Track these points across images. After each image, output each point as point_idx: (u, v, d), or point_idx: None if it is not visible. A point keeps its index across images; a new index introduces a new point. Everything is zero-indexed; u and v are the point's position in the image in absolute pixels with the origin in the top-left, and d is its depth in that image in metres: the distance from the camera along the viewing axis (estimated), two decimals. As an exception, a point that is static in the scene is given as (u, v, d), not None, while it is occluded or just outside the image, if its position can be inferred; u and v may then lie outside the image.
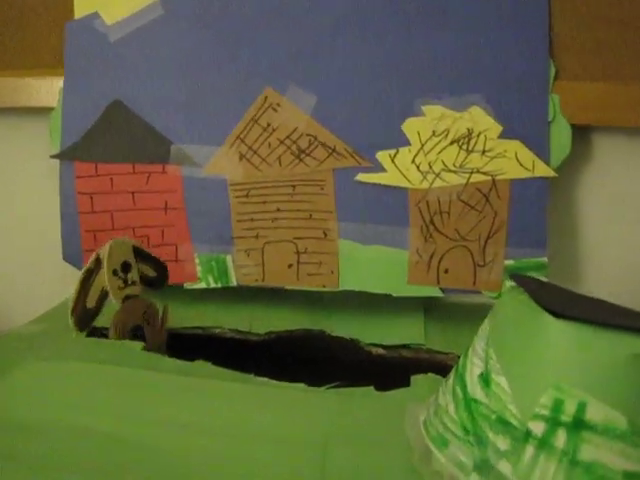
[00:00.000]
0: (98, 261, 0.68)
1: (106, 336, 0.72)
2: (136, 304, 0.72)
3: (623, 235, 0.90)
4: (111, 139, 0.87)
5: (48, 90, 0.91)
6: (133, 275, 0.71)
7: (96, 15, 0.86)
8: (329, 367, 0.70)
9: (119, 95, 0.86)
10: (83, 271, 0.67)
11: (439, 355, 0.75)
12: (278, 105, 0.84)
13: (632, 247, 0.90)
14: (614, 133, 0.87)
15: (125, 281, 0.70)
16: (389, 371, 0.72)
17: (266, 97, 0.84)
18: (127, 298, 0.70)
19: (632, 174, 0.88)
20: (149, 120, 0.86)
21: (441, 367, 0.70)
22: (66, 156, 0.87)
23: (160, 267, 0.76)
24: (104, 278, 0.68)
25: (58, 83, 0.89)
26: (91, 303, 0.68)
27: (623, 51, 0.81)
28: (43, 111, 0.91)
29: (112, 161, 0.87)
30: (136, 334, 0.71)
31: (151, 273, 0.74)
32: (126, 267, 0.70)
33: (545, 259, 0.81)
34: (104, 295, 0.69)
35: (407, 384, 0.62)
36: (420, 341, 0.77)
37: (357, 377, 0.68)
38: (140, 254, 0.72)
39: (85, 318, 0.68)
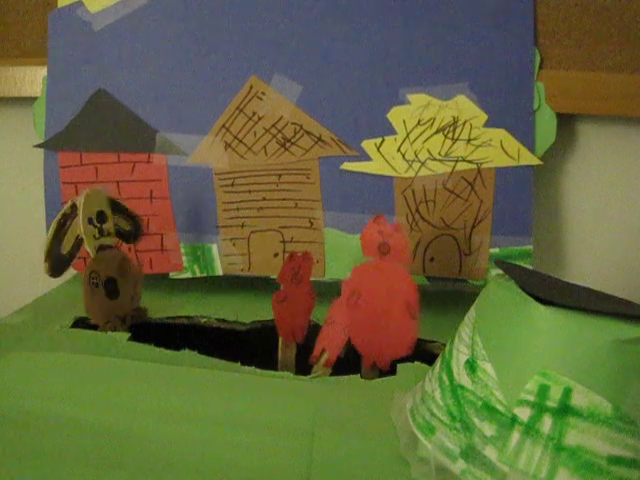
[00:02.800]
0: (74, 207, 0.67)
1: (91, 327, 0.72)
2: (111, 255, 0.71)
3: (608, 222, 0.90)
4: (96, 128, 0.86)
5: (32, 79, 0.90)
6: (109, 226, 0.70)
7: (80, 4, 0.85)
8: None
9: (103, 84, 0.86)
10: (58, 216, 0.67)
11: (425, 343, 0.75)
12: (263, 94, 0.83)
13: (617, 234, 0.90)
14: (599, 121, 0.88)
15: (100, 231, 0.69)
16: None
17: (251, 86, 0.83)
18: (102, 248, 0.70)
19: (616, 162, 0.89)
20: (134, 109, 0.85)
21: (427, 355, 0.70)
22: (50, 146, 0.86)
23: (135, 221, 0.75)
24: (79, 225, 0.67)
25: (42, 72, 0.88)
26: (65, 249, 0.68)
27: (608, 40, 0.82)
28: (27, 101, 0.91)
29: (97, 150, 0.86)
30: (109, 287, 0.71)
31: (126, 226, 0.74)
32: (101, 217, 0.69)
33: (531, 247, 0.81)
34: (79, 243, 0.68)
35: (393, 372, 0.62)
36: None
37: (343, 365, 0.68)
38: (116, 207, 0.72)
39: (59, 264, 0.68)
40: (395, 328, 0.66)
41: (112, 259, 0.71)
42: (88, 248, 0.68)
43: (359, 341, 0.67)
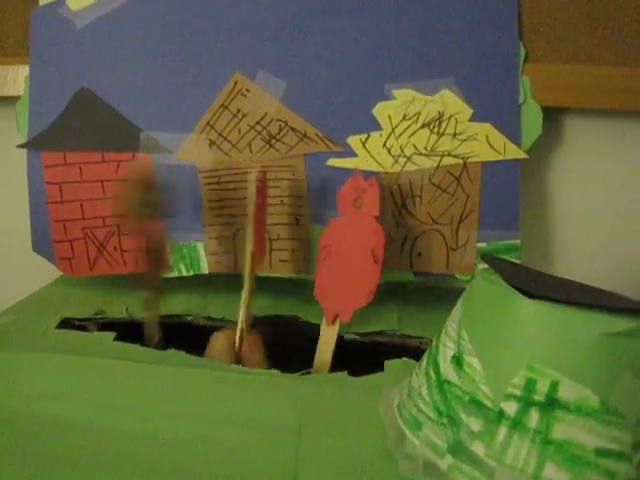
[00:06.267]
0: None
1: (77, 327, 0.71)
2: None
3: (594, 216, 0.90)
4: (79, 127, 0.85)
5: (14, 79, 0.89)
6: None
7: (62, 2, 0.84)
8: (303, 353, 0.70)
9: (87, 82, 0.85)
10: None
11: (413, 340, 0.75)
12: (248, 91, 0.83)
13: (603, 227, 0.91)
14: (585, 115, 0.88)
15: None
16: (363, 356, 0.72)
17: (235, 83, 0.83)
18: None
19: (603, 155, 0.89)
20: (118, 107, 0.85)
21: (415, 352, 0.70)
22: (33, 145, 0.85)
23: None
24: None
25: (24, 71, 0.87)
26: None
27: (593, 33, 0.82)
28: (9, 100, 0.90)
29: (81, 150, 0.85)
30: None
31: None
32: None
33: (518, 241, 0.81)
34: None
35: (381, 369, 0.62)
36: (393, 326, 0.76)
37: (331, 363, 0.68)
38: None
39: None
40: (358, 274, 0.69)
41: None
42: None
43: (323, 294, 0.71)
